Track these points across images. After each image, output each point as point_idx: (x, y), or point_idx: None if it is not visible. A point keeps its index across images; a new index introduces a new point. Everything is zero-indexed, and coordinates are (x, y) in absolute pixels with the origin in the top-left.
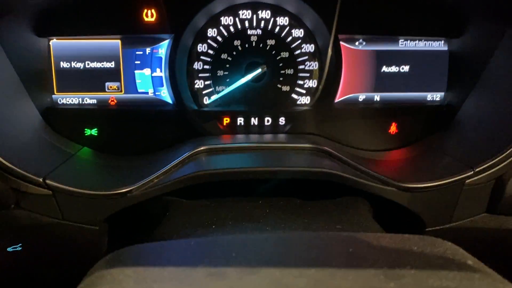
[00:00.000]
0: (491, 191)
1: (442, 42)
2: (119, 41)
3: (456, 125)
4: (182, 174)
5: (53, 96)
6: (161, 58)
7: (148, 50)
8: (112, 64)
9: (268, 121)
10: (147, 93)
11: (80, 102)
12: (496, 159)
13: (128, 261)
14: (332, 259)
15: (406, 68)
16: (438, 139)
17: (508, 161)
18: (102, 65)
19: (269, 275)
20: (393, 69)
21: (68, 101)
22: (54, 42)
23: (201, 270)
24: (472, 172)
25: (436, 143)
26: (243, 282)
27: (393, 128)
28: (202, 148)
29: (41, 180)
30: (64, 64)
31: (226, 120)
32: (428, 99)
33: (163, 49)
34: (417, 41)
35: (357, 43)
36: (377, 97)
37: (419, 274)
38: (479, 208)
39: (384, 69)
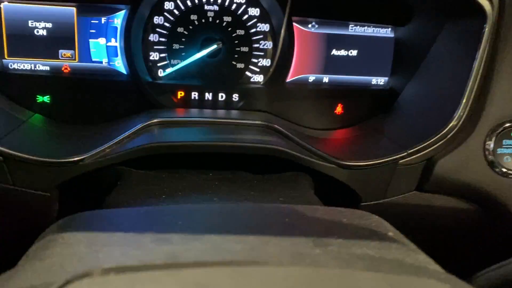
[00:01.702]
0: (421, 171)
1: (389, 29)
2: (74, 9)
3: (396, 108)
4: (135, 145)
5: (3, 60)
6: (116, 28)
7: (103, 19)
8: (66, 32)
9: (222, 96)
10: (101, 62)
11: (32, 68)
12: (428, 142)
13: (79, 226)
14: (269, 228)
15: (354, 53)
16: (379, 121)
17: (438, 144)
18: (56, 32)
19: (211, 241)
20: (342, 52)
21: (20, 67)
22: (5, 5)
23: (148, 236)
24: (405, 153)
25: (377, 125)
26: (186, 246)
27: (339, 109)
28: (155, 120)
29: None
30: (15, 29)
31: (181, 94)
32: (372, 82)
33: (119, 19)
34: (365, 27)
35: (310, 26)
36: (325, 78)
37: (344, 243)
38: (410, 186)
39: (334, 52)
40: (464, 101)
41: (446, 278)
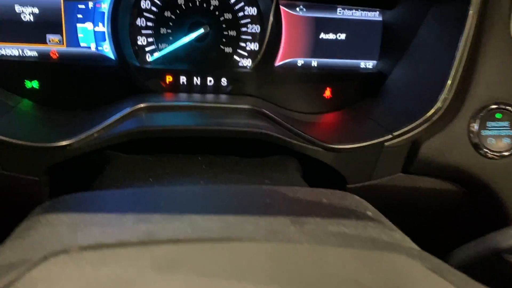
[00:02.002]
0: (407, 153)
1: (377, 13)
2: None
3: (384, 92)
4: (123, 129)
5: None
6: (103, 12)
7: (90, 4)
8: (53, 17)
9: (210, 81)
10: (89, 47)
11: (20, 54)
12: (413, 125)
13: (63, 208)
14: (249, 208)
15: (342, 36)
16: (367, 105)
17: (423, 126)
18: (43, 17)
19: (189, 220)
20: (331, 36)
21: (8, 52)
22: None
23: (130, 216)
24: (391, 136)
25: (365, 108)
26: (164, 225)
27: (327, 93)
28: (143, 105)
29: None
30: (1, 14)
31: (169, 79)
32: (361, 66)
33: (106, 3)
34: (353, 11)
35: (297, 9)
36: (314, 62)
37: (320, 221)
38: (396, 168)
39: (322, 36)
40: (449, 83)
41: (418, 254)
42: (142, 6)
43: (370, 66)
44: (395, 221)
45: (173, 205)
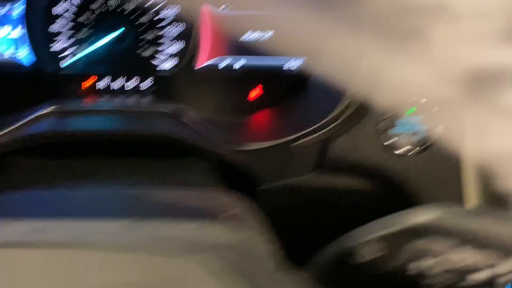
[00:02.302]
0: (318, 152)
1: None
2: None
3: (306, 91)
4: (28, 133)
5: None
6: (17, 18)
7: (4, 9)
8: None
9: (128, 86)
10: (3, 54)
11: None
12: (321, 123)
13: None
14: (108, 212)
15: (268, 34)
16: (290, 104)
17: (332, 125)
18: None
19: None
20: (256, 35)
21: None
22: None
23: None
24: (299, 134)
25: (288, 108)
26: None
27: (253, 94)
28: (51, 110)
29: None
30: None
31: (86, 83)
32: (287, 65)
33: (19, 9)
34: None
35: (220, 8)
36: (239, 63)
37: (161, 226)
38: (308, 167)
39: (247, 35)
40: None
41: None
42: (56, 11)
43: (298, 65)
44: (311, 220)
45: (31, 211)
